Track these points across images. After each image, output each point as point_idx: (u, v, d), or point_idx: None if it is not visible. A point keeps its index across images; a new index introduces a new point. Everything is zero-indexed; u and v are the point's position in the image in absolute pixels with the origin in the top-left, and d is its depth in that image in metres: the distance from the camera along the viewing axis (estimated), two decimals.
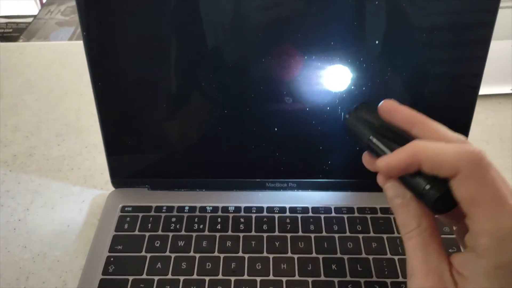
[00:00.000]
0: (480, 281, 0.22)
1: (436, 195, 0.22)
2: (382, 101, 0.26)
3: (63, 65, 0.60)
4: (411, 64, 0.36)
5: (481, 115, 0.49)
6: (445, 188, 0.22)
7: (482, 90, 0.51)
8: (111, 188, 0.41)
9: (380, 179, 0.26)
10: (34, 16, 0.73)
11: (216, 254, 0.36)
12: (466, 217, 0.22)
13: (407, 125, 0.25)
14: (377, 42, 0.34)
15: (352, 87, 0.36)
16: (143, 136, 0.39)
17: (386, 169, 0.24)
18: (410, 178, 0.23)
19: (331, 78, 0.36)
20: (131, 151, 0.40)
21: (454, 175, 0.22)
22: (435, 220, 0.24)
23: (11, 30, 0.71)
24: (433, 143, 0.23)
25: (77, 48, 0.63)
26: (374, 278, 0.34)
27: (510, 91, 0.51)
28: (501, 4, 0.64)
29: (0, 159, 0.46)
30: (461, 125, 0.38)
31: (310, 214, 0.39)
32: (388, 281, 0.33)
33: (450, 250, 0.34)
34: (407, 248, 0.24)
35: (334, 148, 0.39)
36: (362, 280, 0.34)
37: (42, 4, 0.98)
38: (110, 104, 0.37)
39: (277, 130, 0.38)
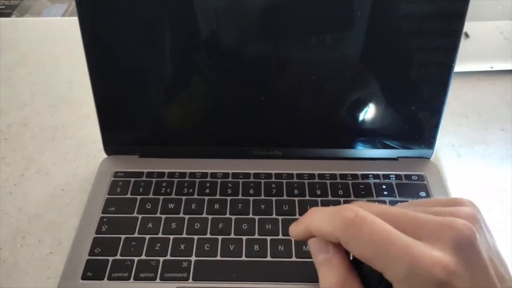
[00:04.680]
0: None
1: None
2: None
3: (56, 40, 0.61)
4: (392, 46, 0.37)
5: (461, 91, 0.51)
6: None
7: (463, 67, 0.53)
8: (103, 156, 0.43)
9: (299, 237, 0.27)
10: None
11: (204, 215, 0.38)
12: None
13: (307, 234, 0.26)
14: (362, 23, 0.36)
15: (337, 65, 0.38)
16: (135, 106, 0.41)
17: (294, 236, 0.27)
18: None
19: (317, 57, 0.37)
20: (123, 120, 0.41)
21: (340, 243, 0.23)
22: (358, 278, 0.24)
23: (3, 6, 0.72)
24: (318, 219, 0.24)
25: (70, 23, 0.64)
26: None
27: (490, 69, 0.53)
28: None
29: None
30: (437, 98, 0.39)
31: (295, 179, 0.40)
32: None
33: None
34: None
35: (318, 119, 0.41)
36: None
37: None
38: (103, 77, 0.39)
39: (264, 101, 0.39)
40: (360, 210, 0.22)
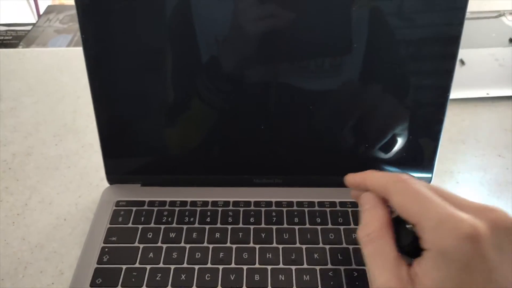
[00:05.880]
0: (429, 270, 0.24)
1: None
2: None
3: (61, 70, 0.62)
4: (389, 71, 0.38)
5: (458, 117, 0.52)
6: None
7: (460, 94, 0.54)
8: (106, 184, 0.43)
9: (353, 194, 0.34)
10: (33, 24, 0.76)
11: (205, 244, 0.38)
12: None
13: (360, 185, 0.32)
14: (359, 49, 0.37)
15: (337, 91, 0.39)
16: (137, 136, 0.41)
17: (348, 183, 0.33)
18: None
19: (317, 84, 0.38)
20: (125, 150, 0.42)
21: (387, 195, 0.28)
22: (392, 230, 0.28)
23: (10, 37, 0.74)
24: (376, 175, 0.30)
25: (75, 54, 0.66)
26: (354, 266, 0.36)
27: (486, 95, 0.54)
28: (477, 15, 0.67)
29: (0, 158, 0.48)
30: (434, 124, 0.40)
31: (295, 207, 0.41)
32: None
33: None
34: (367, 253, 0.28)
35: (318, 147, 0.42)
36: (342, 268, 0.36)
37: (39, 14, 1.01)
38: (106, 105, 0.40)
39: (264, 130, 0.40)
40: (413, 178, 0.27)
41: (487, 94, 0.54)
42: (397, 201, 0.27)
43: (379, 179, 0.29)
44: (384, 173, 0.30)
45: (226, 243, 0.38)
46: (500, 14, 0.68)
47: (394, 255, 0.26)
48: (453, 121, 0.51)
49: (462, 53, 0.37)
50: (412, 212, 0.26)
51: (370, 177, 0.30)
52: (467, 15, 0.36)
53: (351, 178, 0.33)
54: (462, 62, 0.58)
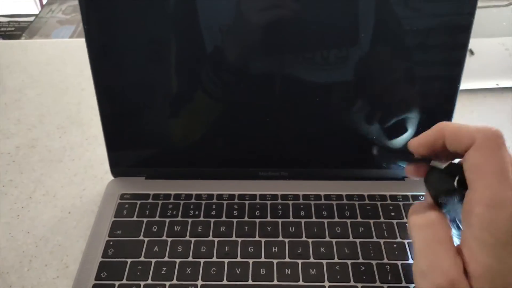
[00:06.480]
0: (477, 252, 0.22)
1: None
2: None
3: (64, 61, 0.62)
4: (397, 62, 0.37)
5: (467, 108, 0.51)
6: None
7: (469, 85, 0.53)
8: (110, 177, 0.43)
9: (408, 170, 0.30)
10: (36, 15, 0.75)
11: (210, 238, 0.37)
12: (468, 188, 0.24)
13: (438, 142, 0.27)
14: (366, 39, 0.36)
15: (344, 83, 0.38)
16: (141, 128, 0.41)
17: (417, 145, 0.27)
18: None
19: (323, 75, 0.38)
20: (129, 142, 0.42)
21: (470, 145, 0.24)
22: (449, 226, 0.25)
23: (13, 28, 0.73)
24: (456, 123, 0.26)
25: (78, 45, 0.65)
26: (361, 260, 0.35)
27: (495, 86, 0.53)
28: (487, 4, 0.66)
29: (4, 151, 0.48)
30: (443, 116, 0.39)
31: (301, 201, 0.40)
32: (374, 262, 0.35)
33: None
34: (418, 243, 0.25)
35: (324, 140, 0.41)
36: (349, 262, 0.35)
37: (42, 5, 1.00)
38: (110, 97, 0.39)
39: (269, 122, 0.40)
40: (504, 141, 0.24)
41: (497, 84, 0.53)
42: (475, 162, 0.23)
43: (463, 126, 0.25)
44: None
45: (231, 236, 0.38)
46: (510, 3, 0.66)
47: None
48: (461, 113, 0.50)
49: (471, 43, 0.36)
50: (480, 182, 0.23)
51: (449, 125, 0.26)
52: None
53: (418, 140, 0.27)
54: (471, 52, 0.57)
